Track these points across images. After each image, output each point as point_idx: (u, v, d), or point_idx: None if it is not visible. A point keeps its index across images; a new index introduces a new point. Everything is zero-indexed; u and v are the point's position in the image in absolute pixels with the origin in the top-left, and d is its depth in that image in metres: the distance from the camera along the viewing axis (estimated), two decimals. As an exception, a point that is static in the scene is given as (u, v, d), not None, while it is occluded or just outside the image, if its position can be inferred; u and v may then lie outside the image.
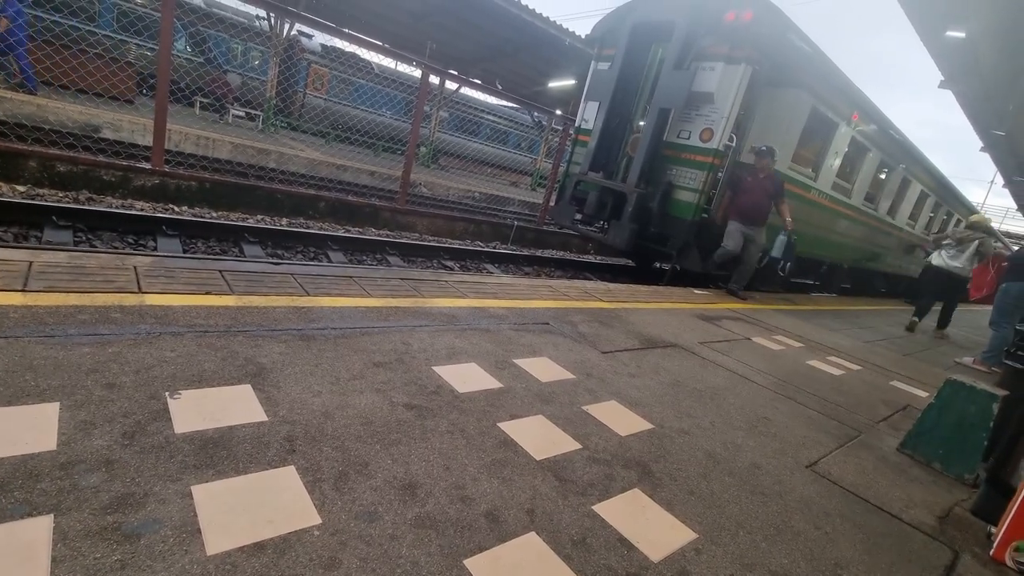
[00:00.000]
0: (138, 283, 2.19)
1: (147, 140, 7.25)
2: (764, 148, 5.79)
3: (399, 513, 1.26)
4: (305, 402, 1.62)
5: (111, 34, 12.03)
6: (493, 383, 2.10)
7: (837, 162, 7.64)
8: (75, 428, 1.27)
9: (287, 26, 13.21)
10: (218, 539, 1.06)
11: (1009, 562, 1.71)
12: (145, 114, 8.86)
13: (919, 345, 6.40)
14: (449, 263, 6.51)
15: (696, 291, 5.51)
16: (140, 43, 12.24)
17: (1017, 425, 2.24)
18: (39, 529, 0.98)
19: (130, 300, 2.01)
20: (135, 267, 2.35)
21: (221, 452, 1.31)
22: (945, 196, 12.62)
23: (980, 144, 13.61)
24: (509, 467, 1.57)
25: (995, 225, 25.35)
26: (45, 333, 1.63)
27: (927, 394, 3.73)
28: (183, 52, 13.68)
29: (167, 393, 1.49)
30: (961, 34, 7.70)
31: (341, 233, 6.21)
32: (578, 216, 7.32)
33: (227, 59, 14.68)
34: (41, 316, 1.73)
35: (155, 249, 4.39)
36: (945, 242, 6.95)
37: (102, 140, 7.67)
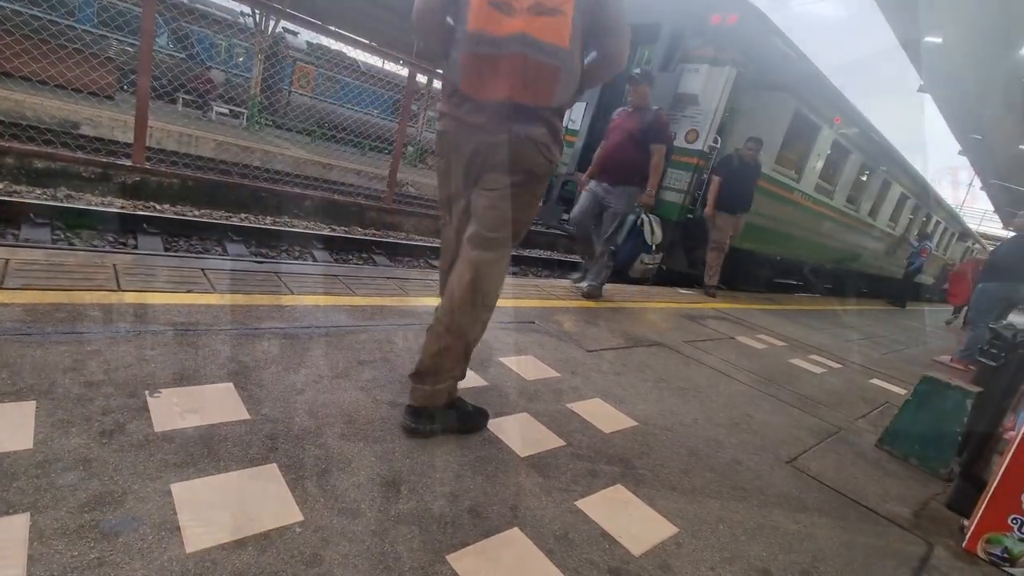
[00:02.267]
0: (117, 281, 2.15)
1: (128, 137, 7.11)
2: (638, 70, 4.02)
3: (382, 509, 1.26)
4: (288, 400, 1.62)
5: (91, 29, 11.81)
6: (478, 381, 2.10)
7: (820, 164, 7.76)
8: (52, 427, 1.25)
9: (272, 23, 13.08)
10: (198, 537, 1.05)
11: (981, 553, 1.76)
12: (126, 110, 8.72)
13: (899, 344, 6.53)
14: (436, 262, 6.49)
15: (681, 291, 5.56)
16: (121, 38, 12.03)
17: (989, 421, 2.31)
18: (15, 528, 0.97)
19: (109, 298, 1.98)
20: (115, 265, 2.32)
21: (201, 450, 1.30)
22: (924, 198, 12.88)
23: (959, 147, 13.93)
24: (493, 464, 1.58)
25: (972, 227, 25.99)
26: (22, 331, 1.61)
27: (905, 391, 3.80)
28: (165, 48, 13.47)
29: (147, 391, 1.47)
30: (938, 40, 7.88)
31: (327, 232, 6.16)
32: (565, 216, 7.35)
33: (211, 55, 14.49)
34: (18, 314, 1.70)
35: (136, 247, 4.32)
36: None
37: (81, 136, 7.55)
